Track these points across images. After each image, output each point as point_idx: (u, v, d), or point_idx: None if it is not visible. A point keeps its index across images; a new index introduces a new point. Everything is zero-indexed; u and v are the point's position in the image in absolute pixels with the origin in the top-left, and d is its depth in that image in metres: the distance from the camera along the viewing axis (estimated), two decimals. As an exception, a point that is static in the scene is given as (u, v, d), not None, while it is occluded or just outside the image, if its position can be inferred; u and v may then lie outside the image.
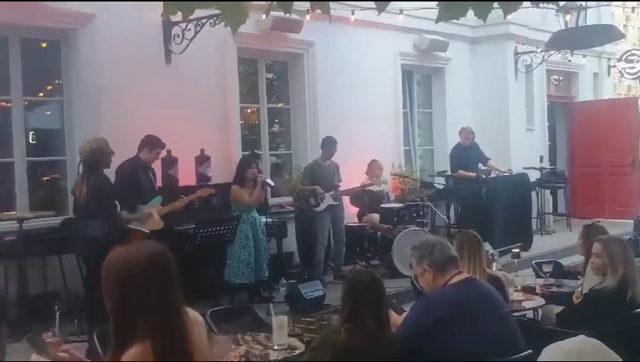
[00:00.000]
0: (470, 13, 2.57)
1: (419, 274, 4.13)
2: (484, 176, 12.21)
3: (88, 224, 7.04)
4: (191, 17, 8.20)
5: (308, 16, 9.78)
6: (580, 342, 2.38)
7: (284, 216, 10.08)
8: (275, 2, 2.35)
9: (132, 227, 7.33)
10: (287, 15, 8.86)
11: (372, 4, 2.48)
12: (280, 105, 11.47)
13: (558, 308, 5.56)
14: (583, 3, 12.17)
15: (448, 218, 11.57)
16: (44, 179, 9.06)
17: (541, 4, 3.03)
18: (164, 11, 2.26)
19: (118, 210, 7.41)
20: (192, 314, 2.71)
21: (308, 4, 2.64)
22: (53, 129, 9.00)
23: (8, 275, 7.39)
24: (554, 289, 6.18)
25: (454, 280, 3.99)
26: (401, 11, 10.87)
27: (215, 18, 8.15)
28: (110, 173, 7.47)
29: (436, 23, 2.65)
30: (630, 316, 4.70)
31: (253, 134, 10.97)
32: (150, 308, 2.36)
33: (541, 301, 5.69)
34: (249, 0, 2.25)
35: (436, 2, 2.58)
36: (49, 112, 9.18)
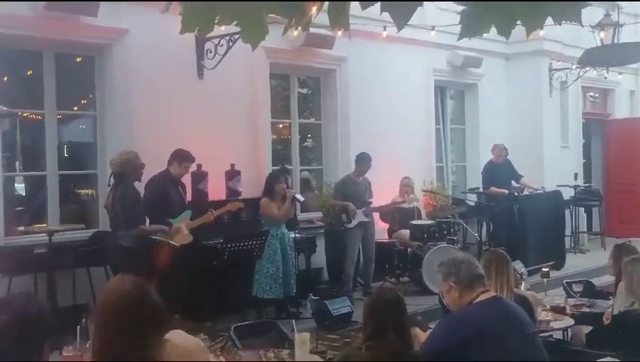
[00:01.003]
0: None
1: (445, 291, 4.08)
2: (516, 194, 12.09)
3: (117, 234, 7.16)
4: (222, 33, 8.34)
5: (340, 32, 9.77)
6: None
7: (314, 232, 10.06)
8: (294, 19, 2.34)
9: (160, 239, 7.38)
10: (305, 31, 8.93)
11: (392, 21, 2.45)
12: (312, 120, 11.48)
13: (588, 329, 5.46)
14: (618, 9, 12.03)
15: (480, 235, 11.45)
16: (76, 192, 9.15)
17: (564, 22, 2.99)
18: (183, 27, 2.26)
19: (147, 223, 7.46)
20: (192, 341, 2.71)
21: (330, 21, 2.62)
22: (86, 143, 9.10)
23: (38, 287, 7.45)
24: (585, 309, 6.07)
25: (480, 298, 3.94)
26: (433, 28, 10.83)
27: (246, 34, 8.19)
28: (141, 187, 7.54)
29: (458, 39, 2.62)
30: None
31: (285, 149, 10.99)
32: (122, 344, 2.37)
33: (570, 321, 5.60)
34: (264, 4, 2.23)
35: (459, 19, 2.56)
36: (82, 126, 9.30)
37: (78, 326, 3.57)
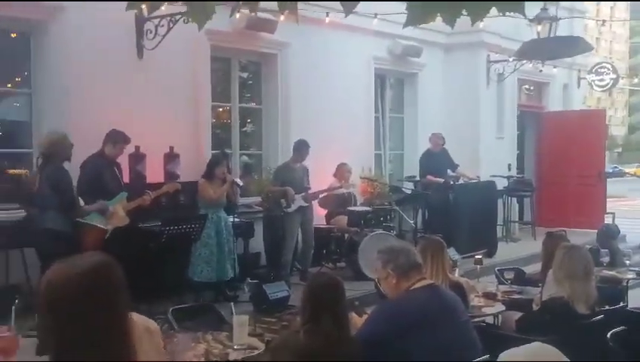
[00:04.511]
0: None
1: (382, 278, 4.14)
2: (452, 183, 12.29)
3: (44, 216, 6.95)
4: (164, 13, 8.23)
5: (282, 17, 9.73)
6: (537, 348, 2.42)
7: (252, 216, 10.04)
8: (241, 2, 2.34)
9: (90, 223, 7.27)
10: (253, 14, 8.87)
11: (341, 8, 2.47)
12: (252, 104, 11.43)
13: (518, 315, 5.60)
14: (555, 10, 12.29)
15: (415, 223, 11.61)
16: (9, 171, 8.89)
17: (508, 13, 3.04)
18: (128, 5, 2.24)
19: (82, 204, 7.32)
20: (145, 322, 2.65)
21: (279, 4, 2.62)
22: (20, 121, 8.87)
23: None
24: (515, 295, 6.23)
25: (417, 285, 4.01)
26: (376, 15, 10.88)
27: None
28: (74, 168, 7.39)
29: (404, 27, 2.65)
30: (585, 325, 4.75)
31: (224, 133, 10.92)
32: (90, 326, 2.13)
33: (501, 307, 5.75)
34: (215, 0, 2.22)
35: (405, 7, 2.59)
36: (17, 104, 9.06)
37: (13, 307, 3.51)
